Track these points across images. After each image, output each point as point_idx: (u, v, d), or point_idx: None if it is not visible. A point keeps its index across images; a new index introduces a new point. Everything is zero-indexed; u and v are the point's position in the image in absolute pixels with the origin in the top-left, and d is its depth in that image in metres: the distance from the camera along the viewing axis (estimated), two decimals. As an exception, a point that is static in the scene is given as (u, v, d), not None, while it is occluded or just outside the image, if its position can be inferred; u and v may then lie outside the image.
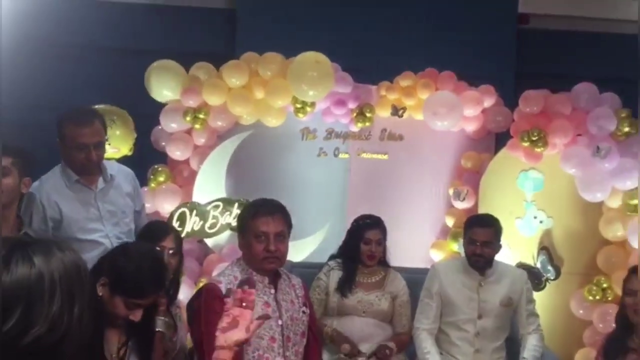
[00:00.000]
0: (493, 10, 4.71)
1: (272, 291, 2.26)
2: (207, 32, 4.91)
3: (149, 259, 1.97)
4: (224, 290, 2.15)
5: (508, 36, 4.77)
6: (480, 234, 3.10)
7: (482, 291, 3.11)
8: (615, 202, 3.72)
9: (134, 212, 2.85)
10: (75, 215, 2.59)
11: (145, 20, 4.87)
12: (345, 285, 3.09)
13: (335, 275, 3.15)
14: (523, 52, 4.88)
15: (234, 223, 3.57)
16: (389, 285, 3.20)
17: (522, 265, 3.86)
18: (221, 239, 4.01)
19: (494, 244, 3.14)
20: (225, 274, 2.30)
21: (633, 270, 2.84)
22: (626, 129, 3.67)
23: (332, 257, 3.32)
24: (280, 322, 2.20)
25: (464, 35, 4.58)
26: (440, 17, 4.65)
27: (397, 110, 4.15)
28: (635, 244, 3.57)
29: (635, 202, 3.62)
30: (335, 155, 4.23)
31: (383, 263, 3.28)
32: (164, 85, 4.00)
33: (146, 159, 4.13)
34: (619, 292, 3.26)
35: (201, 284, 2.96)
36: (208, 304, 2.20)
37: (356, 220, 3.31)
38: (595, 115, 3.67)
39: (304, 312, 2.32)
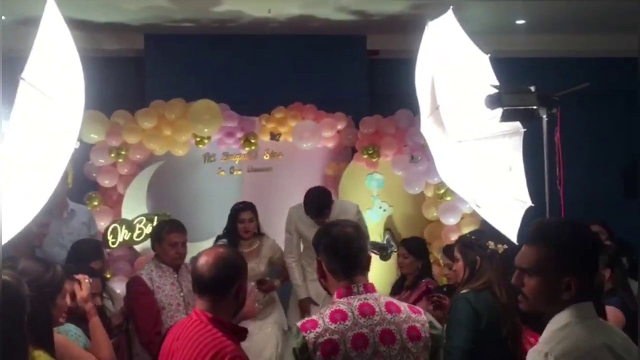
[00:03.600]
0: (347, 50, 6.08)
1: (175, 275, 3.60)
2: (120, 79, 5.93)
3: None
4: (145, 280, 3.45)
5: (360, 70, 6.14)
6: None
7: None
8: (430, 193, 5.25)
9: (89, 235, 4.08)
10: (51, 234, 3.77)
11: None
12: None
13: None
14: (375, 78, 6.29)
15: (155, 232, 4.82)
16: (263, 250, 4.37)
17: (373, 243, 5.30)
18: (146, 244, 5.22)
19: None
20: (145, 269, 3.61)
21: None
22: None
23: (218, 238, 4.49)
24: (182, 294, 3.53)
25: (324, 72, 5.94)
26: (305, 59, 5.96)
27: (274, 136, 5.50)
28: (445, 221, 5.09)
29: (442, 191, 5.14)
30: (231, 173, 5.55)
31: (258, 235, 4.41)
32: (90, 131, 5.15)
33: (81, 188, 5.28)
34: (437, 255, 4.75)
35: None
36: (136, 290, 3.49)
37: (233, 207, 4.47)
38: (410, 133, 5.16)
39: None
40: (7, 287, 1.63)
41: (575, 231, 1.71)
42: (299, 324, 1.95)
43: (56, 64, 2.13)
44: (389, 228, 5.44)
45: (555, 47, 6.13)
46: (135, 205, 5.30)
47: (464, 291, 2.66)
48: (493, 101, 1.98)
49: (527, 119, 2.01)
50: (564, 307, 1.69)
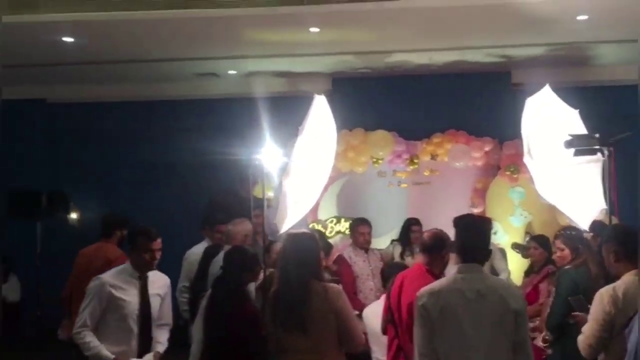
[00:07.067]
0: (494, 84, 7.36)
1: (366, 255, 5.23)
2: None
3: None
4: (345, 256, 5.13)
5: (505, 100, 7.33)
6: None
7: None
8: (563, 203, 6.35)
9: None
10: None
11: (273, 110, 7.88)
12: (404, 253, 5.82)
13: (398, 247, 5.86)
14: (518, 106, 7.45)
15: (343, 229, 6.57)
16: None
17: (516, 244, 6.51)
18: (336, 239, 6.97)
19: None
20: (346, 251, 5.33)
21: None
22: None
23: (392, 241, 6.06)
24: (370, 267, 5.15)
25: (475, 103, 7.27)
26: (459, 93, 7.35)
27: (433, 157, 6.96)
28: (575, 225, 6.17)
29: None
30: (398, 185, 7.12)
31: None
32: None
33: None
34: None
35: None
36: (340, 264, 5.17)
37: (407, 221, 6.04)
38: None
39: (380, 260, 5.25)
40: (309, 237, 3.20)
41: None
42: None
43: (320, 127, 3.86)
44: (528, 232, 6.60)
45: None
46: (328, 208, 7.08)
47: (567, 267, 3.88)
48: (568, 144, 3.21)
49: (593, 154, 3.23)
50: None
